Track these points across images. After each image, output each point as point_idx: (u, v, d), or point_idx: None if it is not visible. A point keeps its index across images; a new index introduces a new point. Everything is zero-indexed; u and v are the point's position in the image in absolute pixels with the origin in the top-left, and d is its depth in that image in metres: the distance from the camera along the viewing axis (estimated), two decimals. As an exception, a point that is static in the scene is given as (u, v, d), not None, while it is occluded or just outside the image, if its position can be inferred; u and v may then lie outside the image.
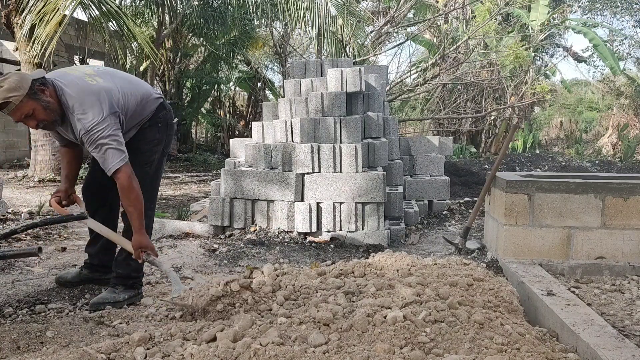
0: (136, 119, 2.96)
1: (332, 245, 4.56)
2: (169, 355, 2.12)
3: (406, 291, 2.57)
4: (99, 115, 2.68)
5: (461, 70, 11.14)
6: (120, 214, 3.13)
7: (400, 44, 11.78)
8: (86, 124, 2.67)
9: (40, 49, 7.34)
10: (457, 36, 11.65)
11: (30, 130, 8.46)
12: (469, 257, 4.03)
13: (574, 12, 16.28)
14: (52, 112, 2.70)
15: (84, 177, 3.48)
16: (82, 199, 3.19)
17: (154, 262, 2.91)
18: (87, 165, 3.99)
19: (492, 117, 13.46)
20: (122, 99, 2.82)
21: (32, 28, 7.70)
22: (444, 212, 6.10)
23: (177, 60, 13.31)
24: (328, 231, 4.69)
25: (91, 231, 3.29)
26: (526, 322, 2.54)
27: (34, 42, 7.50)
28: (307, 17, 9.19)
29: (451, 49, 10.07)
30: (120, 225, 3.18)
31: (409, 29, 12.36)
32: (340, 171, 4.76)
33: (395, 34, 12.49)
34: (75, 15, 8.39)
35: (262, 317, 2.43)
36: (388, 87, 8.72)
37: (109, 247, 3.27)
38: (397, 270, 2.98)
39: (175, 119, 3.28)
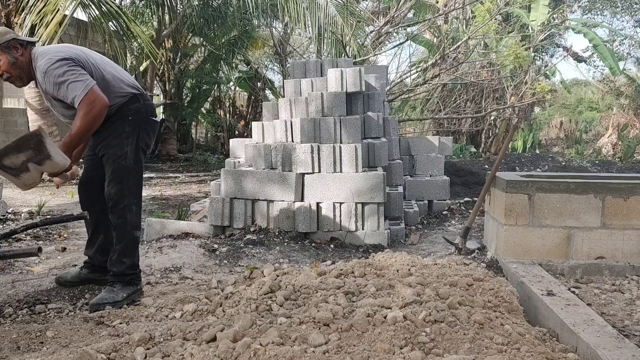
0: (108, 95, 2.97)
1: (332, 245, 4.56)
2: (169, 355, 2.12)
3: (406, 291, 2.58)
4: (55, 57, 2.83)
5: (461, 70, 11.14)
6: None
7: (400, 44, 11.78)
8: (42, 67, 2.82)
9: None
10: (457, 36, 11.65)
11: (30, 129, 8.45)
12: (469, 257, 4.03)
13: (574, 12, 16.28)
14: (17, 68, 2.91)
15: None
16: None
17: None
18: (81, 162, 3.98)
19: (492, 117, 13.46)
20: (87, 61, 2.93)
21: (32, 28, 7.71)
22: (444, 212, 6.10)
23: (177, 60, 13.31)
24: (328, 231, 4.69)
25: (87, 231, 3.30)
26: (526, 322, 2.55)
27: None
28: (307, 17, 9.19)
29: (451, 49, 10.06)
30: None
31: (409, 29, 12.36)
32: (340, 171, 4.76)
33: (395, 34, 12.49)
34: (75, 15, 8.39)
35: (262, 317, 2.43)
36: (388, 87, 8.72)
37: (105, 248, 3.26)
38: (397, 270, 2.98)
39: (160, 118, 3.26)
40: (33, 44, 2.97)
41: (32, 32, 7.76)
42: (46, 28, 7.22)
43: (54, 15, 7.24)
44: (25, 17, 7.67)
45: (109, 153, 3.01)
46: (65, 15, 7.55)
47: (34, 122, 8.44)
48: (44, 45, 7.31)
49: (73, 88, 2.78)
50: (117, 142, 3.01)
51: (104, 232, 3.26)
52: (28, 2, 7.54)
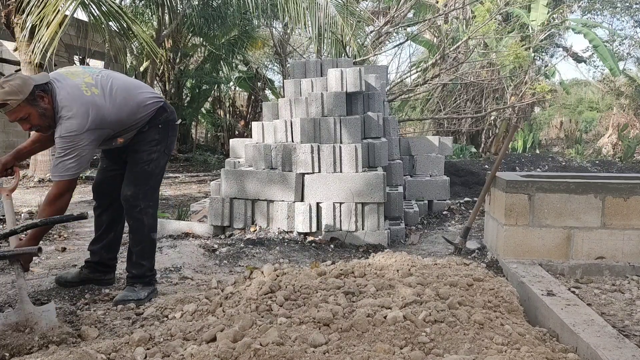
0: (130, 124, 2.98)
1: (332, 245, 4.56)
2: (168, 356, 2.12)
3: (406, 291, 2.57)
4: (79, 128, 2.74)
5: (461, 70, 11.14)
6: (125, 212, 3.15)
7: (400, 44, 11.77)
8: (64, 130, 2.74)
9: (41, 51, 7.34)
10: (457, 36, 11.65)
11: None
12: (469, 257, 4.03)
13: (573, 12, 16.28)
14: (47, 118, 2.78)
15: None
16: (19, 175, 3.19)
17: (16, 272, 2.74)
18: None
19: (492, 117, 13.46)
20: (113, 114, 2.86)
21: (33, 29, 7.70)
22: (444, 212, 6.10)
23: (177, 60, 13.31)
24: (328, 231, 4.69)
25: (97, 229, 3.32)
26: (526, 322, 2.54)
27: (35, 44, 7.50)
28: (307, 17, 9.18)
29: (451, 49, 10.06)
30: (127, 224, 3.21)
31: (409, 29, 12.35)
32: (341, 171, 4.76)
33: (395, 34, 12.48)
34: (75, 15, 8.38)
35: (262, 317, 2.43)
36: (388, 87, 8.72)
37: (112, 246, 3.32)
38: (397, 270, 2.98)
39: (179, 121, 3.30)
40: (49, 84, 2.79)
41: (32, 32, 7.76)
42: (47, 29, 7.22)
43: (55, 17, 7.23)
44: (26, 18, 7.66)
45: (135, 157, 3.05)
46: (65, 16, 7.54)
47: None
48: (44, 46, 7.31)
49: (64, 168, 2.76)
50: (146, 148, 3.06)
51: (115, 231, 3.32)
52: (29, 2, 7.53)
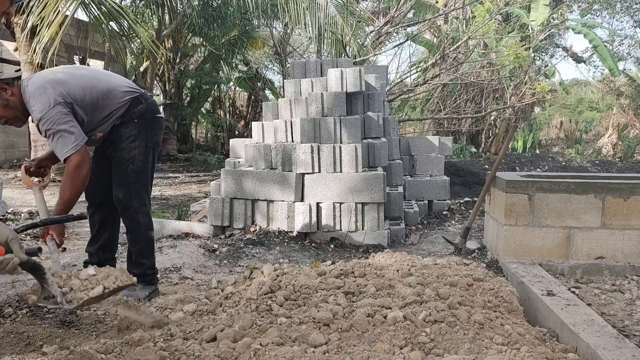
0: (103, 112, 2.96)
1: (332, 245, 4.56)
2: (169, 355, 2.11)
3: (406, 291, 2.57)
4: (47, 104, 2.75)
5: (461, 70, 11.14)
6: (120, 212, 3.14)
7: (400, 44, 11.77)
8: (37, 114, 2.76)
9: (42, 51, 7.34)
10: (457, 36, 11.65)
11: (30, 130, 8.45)
12: (469, 257, 4.03)
13: (572, 13, 16.28)
14: (11, 109, 2.81)
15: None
16: (49, 175, 3.19)
17: (50, 245, 2.78)
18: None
19: (492, 117, 13.46)
20: (79, 92, 2.86)
21: (33, 29, 7.70)
22: (444, 212, 6.10)
23: (177, 60, 13.31)
24: (328, 231, 4.69)
25: (91, 230, 3.31)
26: (526, 322, 2.54)
27: (36, 44, 7.51)
28: (307, 17, 9.18)
29: (451, 49, 10.06)
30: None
31: (409, 29, 12.35)
32: (340, 171, 4.76)
33: (395, 34, 12.48)
34: (75, 15, 8.39)
35: (262, 317, 2.43)
36: (388, 87, 8.71)
37: (108, 246, 3.31)
38: (397, 270, 2.98)
39: (162, 114, 3.27)
40: (18, 78, 2.87)
41: (33, 32, 7.76)
42: (48, 29, 7.22)
43: (55, 17, 7.23)
44: (26, 19, 7.66)
45: (117, 157, 3.04)
46: (66, 16, 7.55)
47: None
48: (45, 46, 7.32)
49: (63, 143, 2.76)
50: (125, 145, 3.04)
51: (109, 230, 3.29)
52: (29, 3, 7.53)
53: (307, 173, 4.79)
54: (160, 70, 13.27)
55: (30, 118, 2.88)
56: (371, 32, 11.02)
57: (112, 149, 3.05)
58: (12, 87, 2.79)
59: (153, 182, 3.34)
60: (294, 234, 4.72)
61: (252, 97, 14.92)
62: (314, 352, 2.04)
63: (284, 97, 5.82)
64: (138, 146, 3.05)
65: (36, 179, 3.12)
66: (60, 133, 2.75)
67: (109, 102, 2.97)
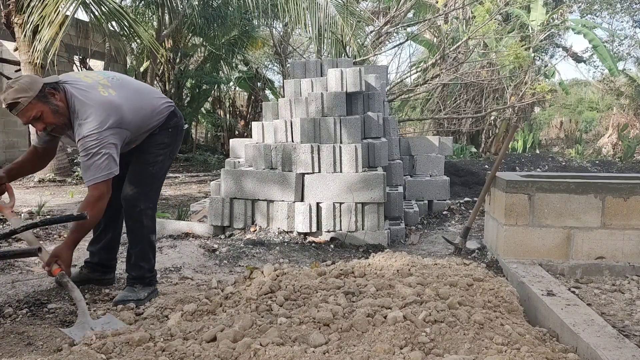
0: (144, 128, 2.98)
1: (332, 245, 4.56)
2: (170, 355, 2.11)
3: (406, 291, 2.58)
4: (100, 125, 2.69)
5: (461, 70, 11.13)
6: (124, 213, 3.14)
7: (400, 44, 11.78)
8: (85, 130, 2.68)
9: (42, 51, 7.35)
10: (457, 36, 11.64)
11: (30, 130, 8.45)
12: (469, 257, 4.03)
13: (572, 13, 16.28)
14: (61, 115, 2.72)
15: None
16: (12, 192, 3.16)
17: (62, 281, 2.75)
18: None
19: (492, 117, 13.45)
20: (130, 115, 2.83)
21: (34, 29, 7.70)
22: (444, 212, 6.10)
23: (177, 60, 13.31)
24: (328, 231, 4.69)
25: (95, 229, 3.30)
26: (526, 322, 2.55)
27: (36, 44, 7.51)
28: (307, 17, 9.18)
29: (451, 49, 10.06)
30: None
31: (409, 29, 12.35)
32: (340, 171, 4.76)
33: (395, 34, 12.48)
34: (75, 15, 8.39)
35: (262, 317, 2.43)
36: (388, 87, 8.71)
37: (111, 246, 3.31)
38: (397, 270, 2.98)
39: (186, 125, 3.30)
40: (59, 83, 2.77)
41: (33, 32, 7.76)
42: (48, 29, 7.22)
43: (56, 17, 7.23)
44: (27, 19, 7.66)
45: (141, 158, 3.03)
46: (67, 16, 7.55)
47: None
48: (46, 47, 7.32)
49: (96, 169, 2.69)
50: (154, 150, 3.05)
51: (113, 231, 3.31)
52: (29, 3, 7.53)
53: (307, 173, 4.79)
54: (160, 70, 13.26)
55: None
56: (371, 32, 11.02)
57: (138, 150, 3.04)
58: (58, 92, 2.71)
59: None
60: (294, 234, 4.72)
61: (252, 97, 14.91)
62: (314, 352, 2.04)
63: (284, 97, 5.82)
64: (164, 154, 3.09)
65: (2, 201, 3.07)
66: (99, 157, 2.69)
67: (151, 120, 2.99)
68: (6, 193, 3.12)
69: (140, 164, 3.04)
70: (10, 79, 3.10)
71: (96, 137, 2.67)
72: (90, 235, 3.37)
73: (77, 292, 2.71)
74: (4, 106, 2.67)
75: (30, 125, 2.87)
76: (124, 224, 3.24)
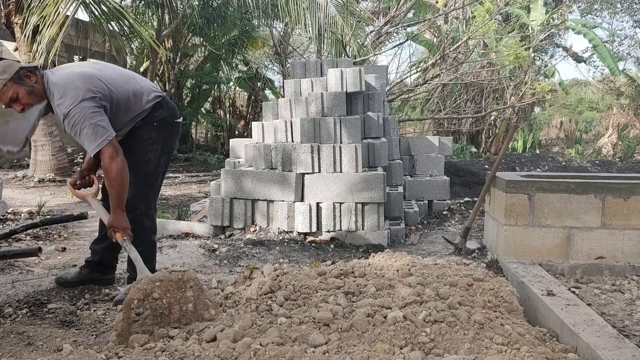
0: (127, 115, 2.95)
1: (332, 245, 4.56)
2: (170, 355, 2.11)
3: (406, 291, 2.58)
4: (74, 99, 2.71)
5: (461, 70, 11.13)
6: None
7: (400, 44, 11.78)
8: (64, 109, 2.72)
9: (43, 51, 7.35)
10: (457, 36, 11.64)
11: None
12: (469, 257, 4.03)
13: (572, 13, 16.28)
14: (37, 96, 2.78)
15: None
16: (96, 181, 3.19)
17: (124, 245, 2.83)
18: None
19: (492, 117, 13.45)
20: (107, 87, 2.83)
21: (34, 29, 7.71)
22: (444, 212, 6.10)
23: (177, 60, 13.31)
24: (328, 231, 4.69)
25: (100, 229, 3.31)
26: (526, 322, 2.55)
27: (38, 44, 7.51)
28: (307, 17, 9.18)
29: (451, 49, 10.06)
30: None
31: (409, 29, 12.35)
32: (340, 171, 4.76)
33: (395, 34, 12.48)
34: (75, 15, 8.39)
35: (262, 317, 2.43)
36: (388, 87, 8.71)
37: (114, 246, 3.29)
38: (397, 270, 2.98)
39: (180, 119, 3.27)
40: (36, 67, 2.85)
41: (34, 33, 7.76)
42: (48, 29, 7.23)
43: (56, 18, 7.24)
44: (27, 20, 7.66)
45: (132, 157, 2.99)
46: (67, 16, 7.55)
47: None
48: (46, 46, 7.33)
49: (91, 138, 2.71)
50: (142, 147, 3.03)
51: None
52: (29, 3, 7.53)
53: (307, 173, 4.79)
54: (160, 70, 13.27)
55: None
56: (371, 32, 11.01)
57: (128, 149, 3.01)
58: (35, 75, 2.78)
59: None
60: (294, 234, 4.72)
61: (252, 97, 14.91)
62: (314, 352, 2.04)
63: (284, 97, 5.82)
64: (154, 150, 3.05)
65: (86, 190, 3.12)
66: (88, 128, 2.70)
67: (135, 105, 2.95)
68: (94, 184, 3.19)
69: (133, 166, 3.00)
70: None
71: (76, 112, 2.70)
72: (88, 236, 3.37)
73: (135, 252, 2.78)
74: None
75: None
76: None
